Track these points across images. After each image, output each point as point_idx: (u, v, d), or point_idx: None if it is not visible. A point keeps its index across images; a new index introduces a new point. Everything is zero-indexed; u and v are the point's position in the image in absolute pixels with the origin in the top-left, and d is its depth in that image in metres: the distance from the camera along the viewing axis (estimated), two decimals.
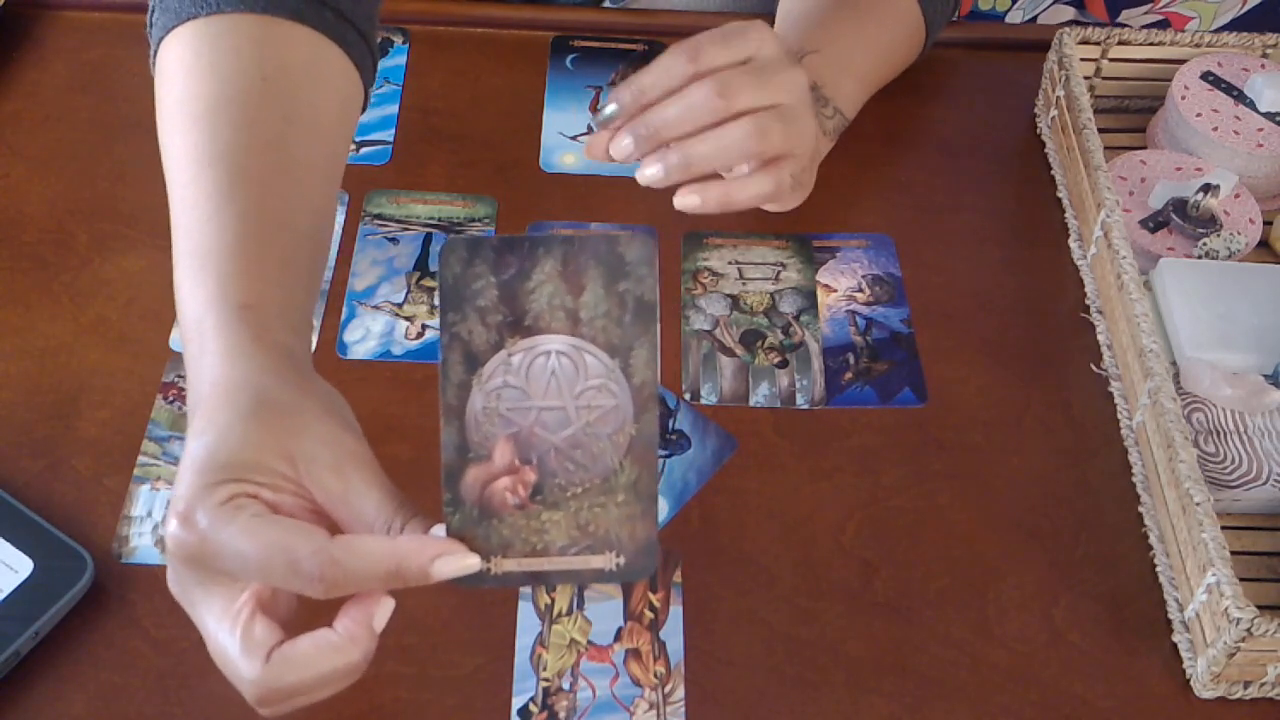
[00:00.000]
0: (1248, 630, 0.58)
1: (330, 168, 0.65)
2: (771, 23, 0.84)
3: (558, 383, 0.49)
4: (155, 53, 0.66)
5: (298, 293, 0.59)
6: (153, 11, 0.66)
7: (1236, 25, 1.25)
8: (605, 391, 0.49)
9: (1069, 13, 1.26)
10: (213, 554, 0.48)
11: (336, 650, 0.49)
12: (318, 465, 0.50)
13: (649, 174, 0.67)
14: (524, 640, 0.63)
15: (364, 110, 0.71)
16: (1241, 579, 0.59)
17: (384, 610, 0.50)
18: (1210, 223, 0.77)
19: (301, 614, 0.51)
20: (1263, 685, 0.62)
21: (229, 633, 0.49)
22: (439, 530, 0.49)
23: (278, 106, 0.62)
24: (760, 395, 0.73)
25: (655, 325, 0.48)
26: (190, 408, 0.53)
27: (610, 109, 0.67)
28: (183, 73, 0.63)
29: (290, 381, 0.52)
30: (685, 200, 0.68)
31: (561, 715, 0.60)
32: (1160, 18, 1.25)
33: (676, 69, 0.66)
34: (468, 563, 0.49)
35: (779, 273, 0.79)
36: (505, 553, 0.49)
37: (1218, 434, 0.68)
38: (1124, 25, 1.24)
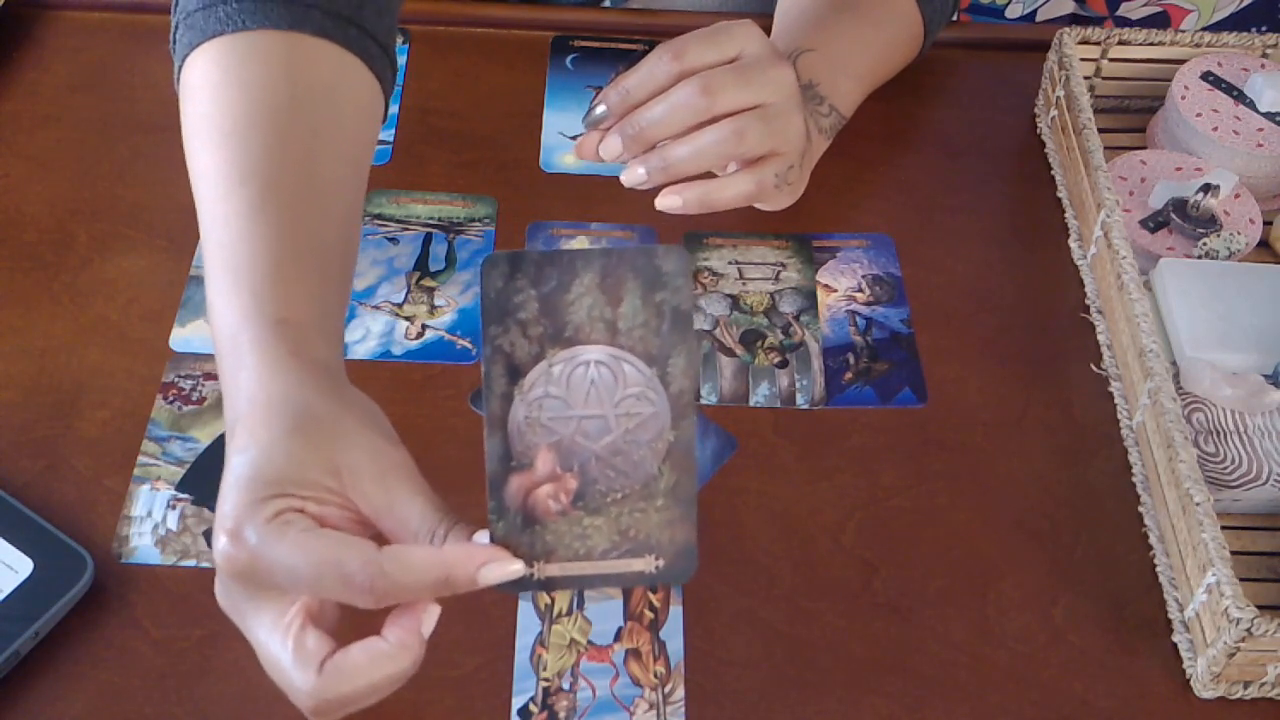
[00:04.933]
0: (1248, 630, 0.58)
1: (357, 182, 0.66)
2: (770, 22, 0.85)
3: (598, 392, 0.49)
4: (179, 70, 0.66)
5: (331, 307, 0.59)
6: (176, 29, 0.66)
7: (1236, 18, 1.25)
8: (644, 399, 0.50)
9: (1068, 5, 1.25)
10: (264, 569, 0.49)
11: (388, 659, 0.49)
12: (362, 477, 0.50)
13: (631, 176, 0.68)
14: (524, 640, 0.63)
15: (385, 121, 0.71)
16: (1241, 579, 0.59)
17: (431, 617, 0.50)
18: (1210, 223, 0.77)
19: (349, 622, 0.52)
20: (1263, 685, 0.62)
21: (281, 644, 0.50)
22: (482, 537, 0.50)
23: (307, 123, 0.63)
24: (760, 395, 0.73)
25: (692, 334, 0.49)
26: (229, 423, 0.53)
27: (599, 110, 0.68)
28: (210, 90, 0.63)
29: (329, 395, 0.53)
30: (665, 201, 0.69)
31: (561, 715, 0.60)
32: (1159, 9, 1.24)
33: (661, 69, 0.67)
34: (513, 569, 0.49)
35: (779, 273, 0.79)
36: (549, 558, 0.50)
37: (1218, 434, 0.68)
38: (1124, 19, 1.23)
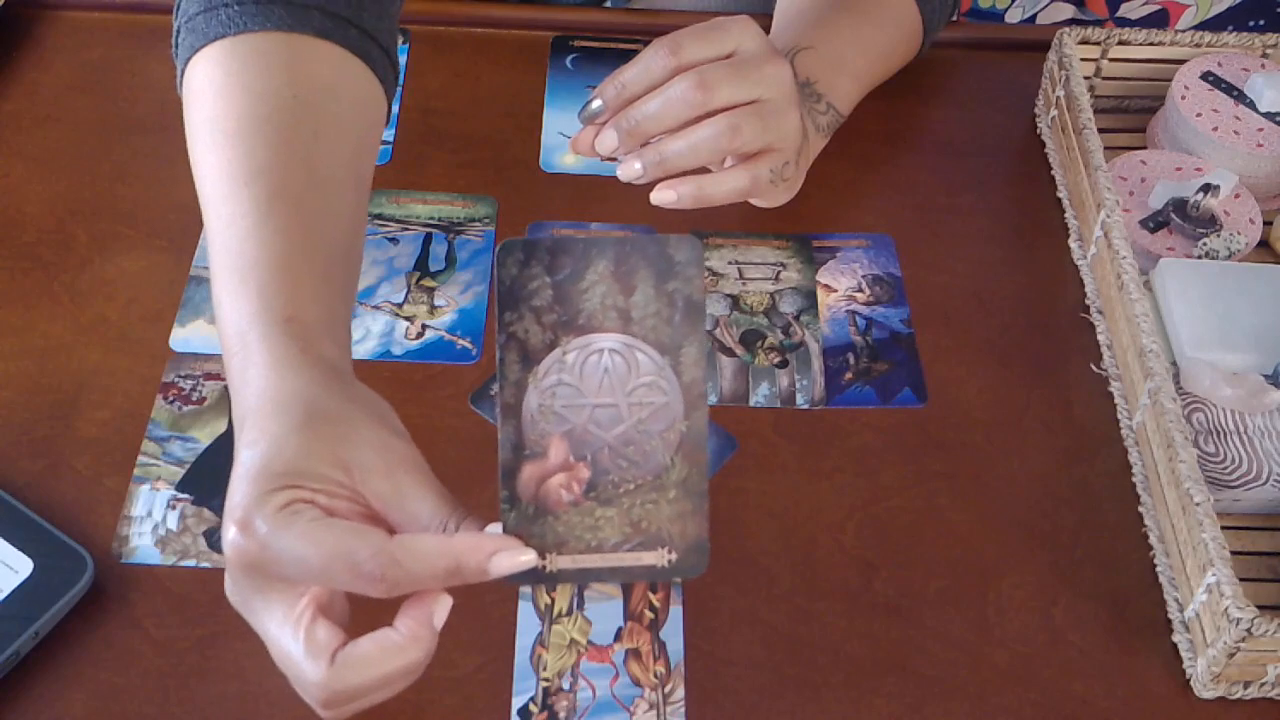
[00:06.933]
0: (1248, 630, 0.58)
1: (361, 182, 0.66)
2: (770, 21, 0.85)
3: (610, 380, 0.50)
4: (182, 73, 0.66)
5: (338, 306, 0.59)
6: (178, 33, 0.67)
7: (1233, 11, 1.25)
8: (656, 389, 0.50)
9: (1068, 10, 1.26)
10: (273, 560, 0.49)
11: (399, 650, 0.49)
12: (372, 472, 0.50)
13: (627, 171, 0.68)
14: (524, 640, 0.63)
15: (387, 123, 0.72)
16: (1241, 579, 0.59)
17: (442, 608, 0.50)
18: (1210, 223, 0.77)
19: (359, 616, 0.52)
20: (1263, 685, 0.62)
21: (292, 637, 0.50)
22: (494, 529, 0.50)
23: (310, 123, 0.63)
24: (760, 395, 0.73)
25: (703, 325, 0.50)
26: (237, 419, 0.53)
27: (595, 104, 0.68)
28: (213, 92, 0.63)
29: (339, 392, 0.53)
30: (661, 196, 0.69)
31: (561, 715, 0.60)
32: (1159, 7, 1.24)
33: (658, 64, 0.67)
34: (524, 559, 0.49)
35: (779, 273, 0.79)
36: (560, 550, 0.50)
37: (1218, 434, 0.68)
38: (1124, 19, 1.24)
